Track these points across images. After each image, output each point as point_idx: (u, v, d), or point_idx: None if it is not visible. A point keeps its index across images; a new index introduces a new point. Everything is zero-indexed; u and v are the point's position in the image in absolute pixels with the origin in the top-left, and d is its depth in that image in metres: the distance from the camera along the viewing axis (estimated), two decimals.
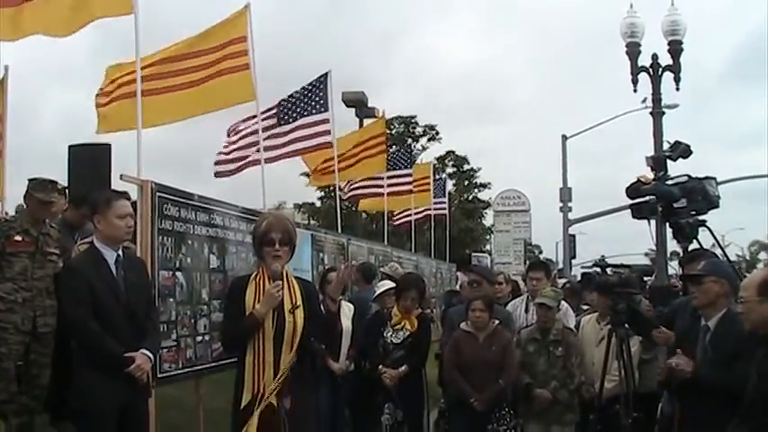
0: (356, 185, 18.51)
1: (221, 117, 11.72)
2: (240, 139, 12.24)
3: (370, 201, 20.05)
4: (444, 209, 24.63)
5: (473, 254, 30.91)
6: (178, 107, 9.12)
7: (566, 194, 30.86)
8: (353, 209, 28.63)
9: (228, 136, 12.52)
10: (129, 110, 8.27)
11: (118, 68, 9.04)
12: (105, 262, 4.90)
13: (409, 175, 19.80)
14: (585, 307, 8.67)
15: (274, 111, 12.65)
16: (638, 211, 7.53)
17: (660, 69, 13.58)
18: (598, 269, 6.65)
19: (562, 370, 7.22)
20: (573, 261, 32.91)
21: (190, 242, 6.88)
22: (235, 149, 12.31)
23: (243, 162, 12.16)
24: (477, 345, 7.14)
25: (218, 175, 12.34)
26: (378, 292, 8.32)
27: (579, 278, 8.95)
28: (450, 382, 7.51)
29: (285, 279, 4.86)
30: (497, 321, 7.31)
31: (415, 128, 40.96)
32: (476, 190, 43.48)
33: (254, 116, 11.58)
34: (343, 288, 8.01)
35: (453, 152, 42.91)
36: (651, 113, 13.49)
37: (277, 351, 4.72)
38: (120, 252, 5.01)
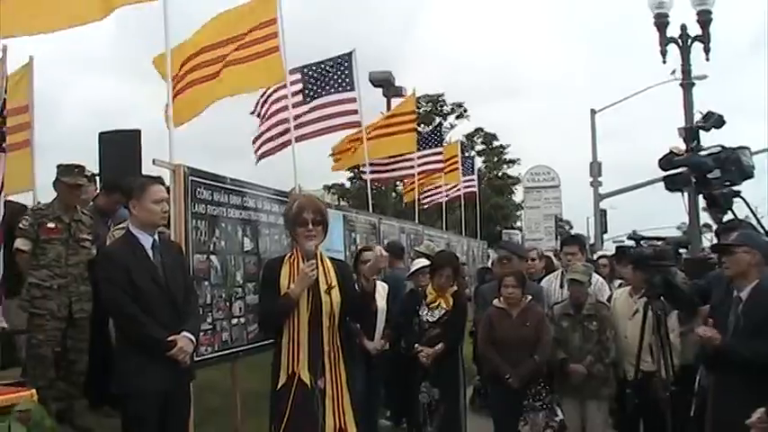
0: (381, 167, 18.39)
1: (249, 98, 11.73)
2: (272, 116, 12.09)
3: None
4: (474, 187, 24.58)
5: (504, 231, 30.85)
6: (208, 95, 9.11)
7: (596, 169, 30.58)
8: (383, 189, 28.65)
9: (257, 114, 12.34)
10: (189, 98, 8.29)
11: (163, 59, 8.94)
12: (142, 247, 4.91)
13: (439, 153, 19.75)
14: (619, 281, 8.60)
15: (299, 80, 12.49)
16: (672, 183, 7.43)
17: (689, 40, 13.39)
18: (632, 242, 6.60)
19: (597, 344, 7.18)
20: (604, 236, 32.70)
21: (223, 225, 6.92)
22: (269, 128, 12.16)
23: (278, 143, 12.06)
24: (511, 321, 7.12)
25: (261, 157, 12.20)
26: (412, 270, 8.32)
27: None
28: (484, 358, 7.50)
29: (319, 259, 4.87)
30: (530, 297, 7.28)
31: (442, 106, 40.78)
32: (505, 166, 43.30)
33: (278, 92, 11.52)
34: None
35: (482, 129, 42.75)
36: (681, 85, 13.34)
37: (312, 332, 4.73)
38: (156, 237, 5.03)
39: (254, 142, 12.21)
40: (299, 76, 12.54)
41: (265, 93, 11.83)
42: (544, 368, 7.12)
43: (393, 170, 18.51)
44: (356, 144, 14.90)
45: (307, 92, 12.70)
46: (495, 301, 7.29)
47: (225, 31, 9.14)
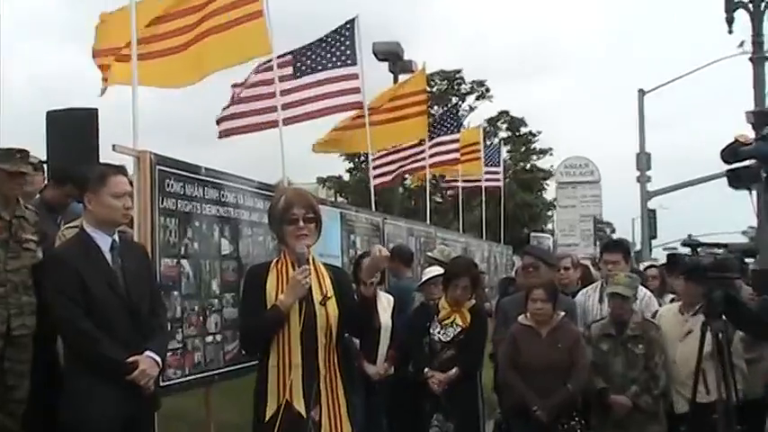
0: (386, 165, 18.32)
1: (228, 74, 11.66)
2: (250, 87, 12.01)
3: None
4: (498, 180, 24.57)
5: (532, 234, 30.94)
6: (181, 70, 9.08)
7: (644, 161, 30.67)
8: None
9: (234, 90, 12.27)
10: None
11: (111, 20, 8.94)
12: (98, 249, 4.89)
13: (456, 140, 19.69)
14: (671, 296, 8.58)
15: (289, 58, 12.47)
16: (736, 179, 7.40)
17: (762, 5, 13.32)
18: (687, 249, 6.57)
19: (643, 371, 7.16)
20: (653, 242, 32.74)
21: (197, 224, 6.90)
22: (242, 103, 12.07)
23: (255, 122, 11.96)
24: (539, 342, 7.07)
25: (222, 134, 12.07)
26: (423, 280, 8.32)
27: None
28: (507, 386, 7.47)
29: (312, 265, 4.86)
30: (563, 313, 7.26)
31: (460, 84, 40.80)
32: (534, 157, 43.31)
33: (265, 64, 11.44)
34: (380, 273, 8.01)
35: (507, 113, 42.75)
36: (750, 59, 13.29)
37: (306, 351, 4.71)
38: (116, 237, 5.01)
39: (218, 121, 12.13)
40: (289, 58, 12.51)
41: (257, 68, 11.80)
42: (579, 399, 7.11)
43: (401, 166, 18.47)
44: (356, 122, 14.70)
45: (298, 65, 12.63)
46: (521, 318, 7.26)
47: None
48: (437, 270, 8.16)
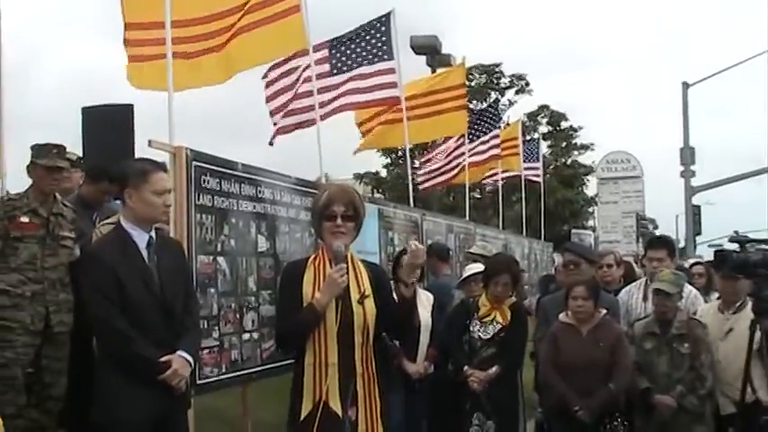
0: (434, 167, 18.35)
1: (262, 70, 11.66)
2: (290, 88, 11.96)
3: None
4: (538, 176, 24.46)
5: (573, 231, 30.79)
6: (216, 67, 9.08)
7: (688, 156, 30.39)
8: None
9: (267, 81, 12.18)
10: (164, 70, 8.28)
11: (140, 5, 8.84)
12: (135, 246, 4.89)
13: (497, 136, 19.61)
14: (717, 294, 8.49)
15: (325, 52, 12.43)
16: None
17: None
18: (735, 245, 6.49)
19: (689, 371, 7.08)
20: (698, 238, 32.46)
21: (233, 220, 6.91)
22: (289, 99, 12.03)
23: (299, 120, 11.95)
24: (580, 340, 7.02)
25: (277, 133, 12.14)
26: (463, 276, 8.28)
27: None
28: (547, 386, 7.42)
29: (350, 262, 4.84)
30: (604, 311, 7.20)
31: (499, 78, 40.60)
32: (576, 153, 43.03)
33: (299, 56, 11.41)
34: (420, 271, 7.99)
35: (547, 107, 42.49)
36: None
37: (342, 350, 4.70)
38: (153, 234, 5.01)
39: (272, 115, 12.09)
40: (326, 52, 12.48)
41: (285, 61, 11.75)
42: (622, 399, 7.04)
43: (446, 171, 18.47)
44: (394, 116, 14.66)
45: (335, 62, 12.61)
46: (562, 316, 7.21)
47: None
48: (478, 267, 8.13)
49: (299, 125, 11.87)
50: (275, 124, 12.01)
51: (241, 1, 9.05)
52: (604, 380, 6.87)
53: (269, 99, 12.03)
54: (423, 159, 18.28)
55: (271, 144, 12.12)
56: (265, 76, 12.03)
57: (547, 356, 7.21)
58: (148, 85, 8.46)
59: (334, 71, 12.58)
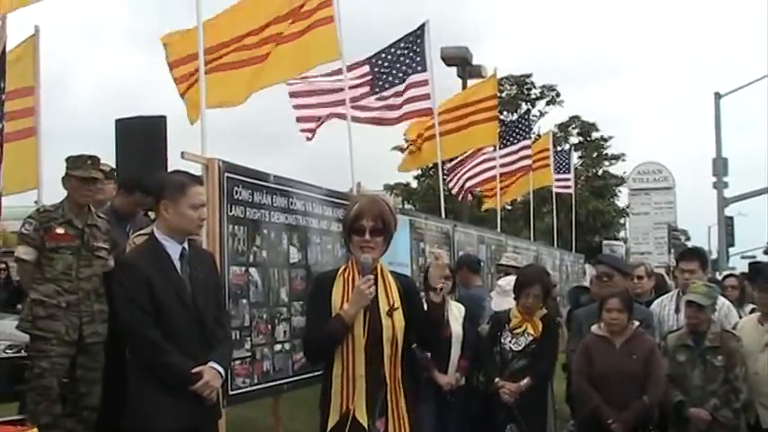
0: (465, 173, 18.36)
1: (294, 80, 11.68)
2: (323, 95, 12.01)
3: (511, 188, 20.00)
4: (569, 187, 24.37)
5: (604, 242, 30.63)
6: (250, 80, 9.11)
7: (720, 167, 30.19)
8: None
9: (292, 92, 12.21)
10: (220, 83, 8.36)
11: (179, 38, 8.96)
12: (168, 257, 4.90)
13: (528, 147, 19.57)
14: (751, 306, 8.42)
15: (365, 72, 12.45)
16: None
17: None
18: None
19: (723, 384, 7.01)
20: (730, 250, 32.20)
21: (265, 232, 6.94)
22: (314, 100, 12.05)
23: (327, 112, 11.94)
24: (614, 352, 6.96)
25: (306, 134, 12.10)
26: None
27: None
28: (580, 398, 7.37)
29: (380, 273, 4.82)
30: (637, 323, 7.14)
31: (530, 89, 40.53)
32: (607, 163, 42.82)
33: (338, 72, 11.42)
34: (451, 282, 7.97)
35: (578, 117, 42.32)
36: None
37: (370, 362, 4.67)
38: (186, 245, 5.03)
39: (298, 121, 12.11)
40: (366, 68, 12.50)
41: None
42: (656, 412, 6.98)
43: (475, 174, 18.49)
44: (423, 138, 14.75)
45: (376, 80, 12.61)
46: (595, 328, 7.15)
47: (270, 10, 9.12)
48: (511, 280, 8.10)
49: (329, 116, 11.88)
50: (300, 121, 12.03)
51: (273, 15, 9.08)
52: (638, 392, 6.81)
53: (297, 107, 12.08)
54: (449, 166, 18.26)
55: (308, 139, 12.12)
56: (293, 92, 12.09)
57: (580, 368, 7.15)
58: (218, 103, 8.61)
59: (376, 90, 12.60)
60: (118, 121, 8.80)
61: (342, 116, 11.07)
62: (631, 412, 6.76)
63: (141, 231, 6.57)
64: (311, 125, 12.06)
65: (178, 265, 4.93)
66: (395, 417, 4.71)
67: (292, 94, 12.06)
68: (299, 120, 12.10)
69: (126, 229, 7.51)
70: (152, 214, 6.53)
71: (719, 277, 11.03)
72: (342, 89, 10.99)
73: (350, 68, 11.39)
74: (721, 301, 7.85)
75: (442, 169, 16.21)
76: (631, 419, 6.76)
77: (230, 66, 8.84)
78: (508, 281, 8.32)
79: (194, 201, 4.97)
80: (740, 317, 8.00)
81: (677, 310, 7.91)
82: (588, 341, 7.17)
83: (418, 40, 12.98)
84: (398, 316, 4.75)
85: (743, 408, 7.01)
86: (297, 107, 12.08)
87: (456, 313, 7.78)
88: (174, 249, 4.95)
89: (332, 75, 11.78)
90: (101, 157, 7.19)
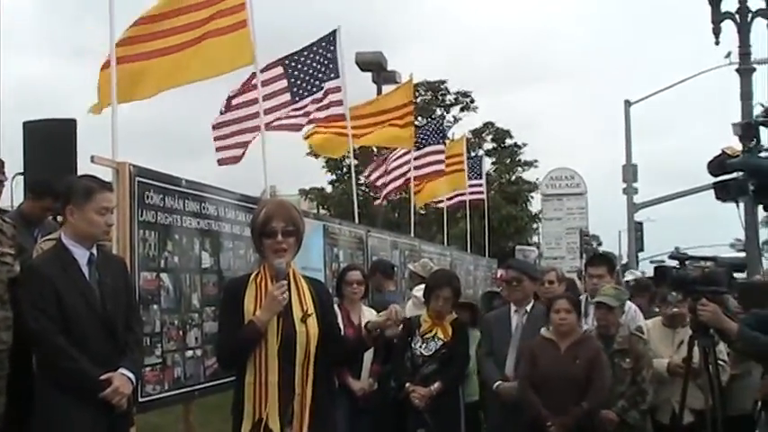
0: (387, 175, 18.45)
1: (207, 84, 11.62)
2: (237, 109, 11.96)
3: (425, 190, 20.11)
4: (482, 192, 24.63)
5: (517, 247, 30.89)
6: (161, 76, 9.02)
7: (630, 173, 30.76)
8: (371, 194, 28.60)
9: (223, 110, 12.18)
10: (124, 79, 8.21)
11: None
12: (76, 262, 4.86)
13: (441, 152, 19.71)
14: (657, 309, 8.60)
15: (279, 74, 12.39)
16: (724, 192, 7.42)
17: (750, 15, 13.33)
18: (675, 262, 6.57)
19: (631, 386, 7.14)
20: (640, 254, 32.81)
21: (177, 237, 6.87)
22: (236, 128, 11.99)
23: (244, 140, 11.90)
24: (558, 356, 6.93)
25: (222, 162, 12.04)
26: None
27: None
28: (523, 401, 7.13)
29: (292, 279, 4.82)
30: (587, 327, 7.23)
31: (444, 95, 40.83)
32: (519, 169, 43.34)
33: (253, 78, 11.38)
34: (364, 288, 8.00)
35: (492, 124, 42.77)
36: (738, 70, 13.31)
37: (284, 369, 4.66)
38: (94, 250, 4.97)
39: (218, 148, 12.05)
40: (280, 69, 12.44)
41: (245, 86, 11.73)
42: (597, 420, 6.94)
43: (394, 179, 18.59)
44: (335, 133, 14.68)
45: (295, 90, 12.56)
46: (543, 330, 7.12)
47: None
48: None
49: (247, 144, 11.83)
50: (219, 149, 11.97)
51: (186, 3, 9.00)
52: (579, 397, 6.77)
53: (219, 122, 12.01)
54: (367, 171, 18.35)
55: (219, 164, 12.05)
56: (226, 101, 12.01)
57: (524, 374, 7.09)
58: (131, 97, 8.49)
59: (296, 98, 12.53)
60: (26, 124, 8.63)
61: (257, 129, 11.02)
62: (570, 417, 6.71)
63: (49, 237, 6.46)
64: (235, 153, 11.98)
65: (86, 270, 4.89)
66: (300, 424, 4.69)
67: (214, 127, 12.02)
68: (218, 150, 12.01)
69: (34, 235, 7.37)
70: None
71: (626, 280, 11.21)
72: (256, 100, 10.97)
73: (263, 70, 11.34)
74: (628, 304, 8.02)
75: (356, 172, 16.23)
76: (570, 424, 6.72)
77: (144, 56, 8.71)
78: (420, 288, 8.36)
79: (101, 206, 4.93)
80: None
81: (585, 315, 8.04)
82: (534, 344, 7.13)
83: (330, 47, 12.99)
84: (312, 322, 4.75)
85: (648, 410, 7.15)
86: (217, 139, 12.01)
87: (368, 318, 7.78)
88: (81, 255, 4.90)
89: (246, 91, 11.72)
90: (6, 159, 7.05)
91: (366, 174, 19.10)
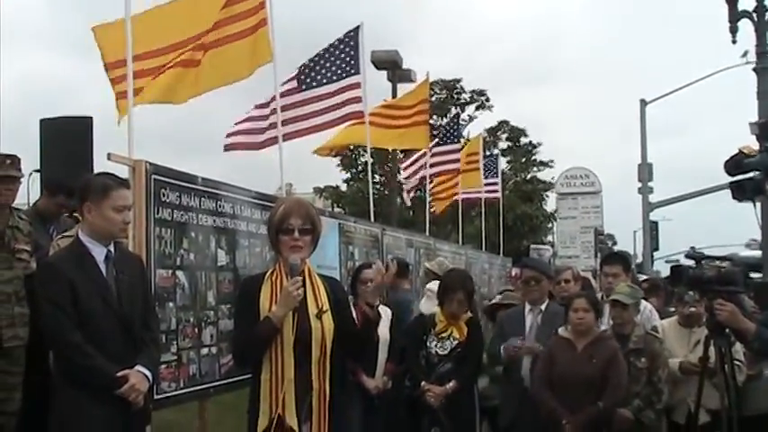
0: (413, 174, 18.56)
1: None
2: (256, 108, 12.01)
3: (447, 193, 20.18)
4: (497, 191, 24.58)
5: (532, 246, 30.88)
6: (184, 84, 8.96)
7: (645, 172, 30.65)
8: (385, 192, 28.60)
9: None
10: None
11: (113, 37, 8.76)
12: (92, 259, 4.86)
13: (457, 151, 19.69)
14: (673, 309, 8.58)
15: (294, 83, 12.42)
16: (740, 191, 7.40)
17: (767, 14, 13.26)
18: (691, 262, 6.56)
19: (646, 386, 7.11)
20: (655, 253, 32.70)
21: (193, 234, 6.88)
22: (248, 120, 12.05)
23: (260, 140, 11.93)
24: (574, 355, 6.91)
25: (228, 148, 12.07)
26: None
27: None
28: (538, 401, 7.13)
29: (308, 276, 4.83)
30: (604, 327, 7.20)
31: (460, 94, 40.77)
32: (535, 168, 43.26)
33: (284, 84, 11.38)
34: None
35: (507, 122, 42.70)
36: (755, 70, 13.22)
37: (300, 365, 4.68)
38: (111, 248, 4.99)
39: (227, 135, 12.10)
40: (294, 83, 12.42)
41: None
42: (616, 420, 6.89)
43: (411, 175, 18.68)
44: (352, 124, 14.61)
45: (303, 77, 12.56)
46: (561, 330, 7.11)
47: (204, 12, 8.99)
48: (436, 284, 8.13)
49: (263, 143, 11.85)
50: (227, 135, 12.01)
51: (206, 26, 8.96)
52: (595, 397, 6.74)
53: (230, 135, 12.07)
54: (405, 165, 18.45)
55: (225, 150, 12.08)
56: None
57: (541, 375, 7.06)
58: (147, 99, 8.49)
59: (303, 86, 12.51)
60: (42, 121, 8.65)
61: (274, 140, 11.03)
62: (585, 415, 6.69)
63: (65, 234, 6.50)
64: (237, 140, 12.04)
65: (103, 267, 4.90)
66: (319, 420, 4.71)
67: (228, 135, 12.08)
68: (228, 135, 12.07)
69: (49, 231, 7.41)
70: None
71: (642, 280, 11.16)
72: (274, 110, 10.97)
73: (286, 82, 11.39)
74: (643, 304, 8.00)
75: (372, 171, 16.22)
76: (585, 422, 6.70)
77: (171, 66, 8.70)
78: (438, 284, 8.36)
79: (118, 203, 4.94)
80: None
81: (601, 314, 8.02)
82: (552, 343, 7.11)
83: (351, 43, 12.94)
84: (327, 318, 4.77)
85: (663, 409, 7.13)
86: (229, 135, 12.07)
87: (384, 317, 7.79)
88: (98, 252, 4.91)
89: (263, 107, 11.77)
90: (23, 156, 7.10)
91: (404, 176, 19.20)
